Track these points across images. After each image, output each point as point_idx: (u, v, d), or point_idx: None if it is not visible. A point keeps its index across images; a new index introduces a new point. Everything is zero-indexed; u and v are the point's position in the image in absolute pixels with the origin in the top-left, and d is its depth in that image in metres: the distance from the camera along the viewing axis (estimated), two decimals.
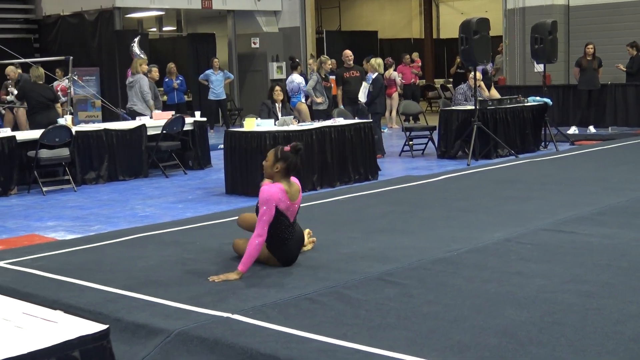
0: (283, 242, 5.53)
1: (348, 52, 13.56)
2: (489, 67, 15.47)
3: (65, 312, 2.91)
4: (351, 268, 5.49)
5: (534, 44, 13.97)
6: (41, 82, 11.98)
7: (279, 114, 10.57)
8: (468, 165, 11.53)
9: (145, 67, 13.45)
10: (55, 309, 2.93)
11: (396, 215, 7.60)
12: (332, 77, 14.55)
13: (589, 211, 7.29)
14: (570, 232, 6.41)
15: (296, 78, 14.75)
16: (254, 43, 21.90)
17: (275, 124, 10.01)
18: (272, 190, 5.42)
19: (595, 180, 9.33)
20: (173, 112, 12.86)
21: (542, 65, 14.84)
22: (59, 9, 19.87)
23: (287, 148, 5.58)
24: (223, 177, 10.11)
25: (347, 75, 13.31)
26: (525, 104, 13.43)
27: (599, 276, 5.11)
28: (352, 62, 13.44)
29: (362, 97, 12.98)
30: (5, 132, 10.72)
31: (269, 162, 5.57)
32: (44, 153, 10.50)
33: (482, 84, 13.97)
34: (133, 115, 12.90)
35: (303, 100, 14.52)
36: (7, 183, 10.35)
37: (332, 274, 5.33)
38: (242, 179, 9.67)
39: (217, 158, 12.28)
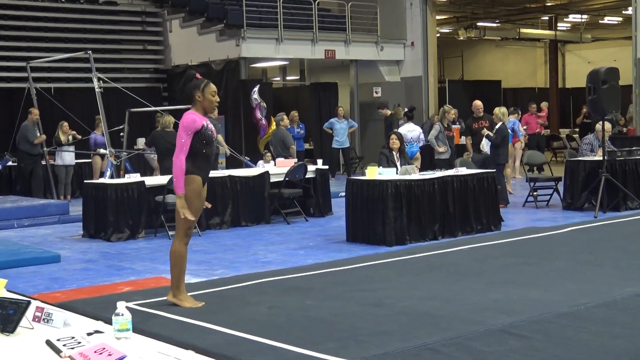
0: None
1: (478, 103, 13.46)
2: None
3: (196, 352, 2.97)
4: (474, 319, 5.40)
5: None
6: (169, 130, 12.36)
7: (397, 163, 10.57)
8: (595, 217, 11.20)
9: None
10: (186, 348, 2.99)
11: (520, 266, 7.45)
12: (455, 127, 14.45)
13: None
14: None
15: (416, 128, 14.70)
16: (376, 92, 22.05)
17: (397, 173, 10.01)
18: None
19: None
20: (296, 160, 13.05)
21: None
22: (187, 59, 20.58)
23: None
24: (344, 225, 10.14)
25: (476, 126, 13.21)
26: None
27: None
28: (482, 112, 13.31)
29: (485, 146, 12.83)
30: (136, 177, 11.11)
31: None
32: (171, 198, 10.78)
33: None
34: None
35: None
36: (135, 226, 10.71)
37: (454, 325, 5.26)
38: (363, 227, 9.67)
39: (338, 206, 12.34)
